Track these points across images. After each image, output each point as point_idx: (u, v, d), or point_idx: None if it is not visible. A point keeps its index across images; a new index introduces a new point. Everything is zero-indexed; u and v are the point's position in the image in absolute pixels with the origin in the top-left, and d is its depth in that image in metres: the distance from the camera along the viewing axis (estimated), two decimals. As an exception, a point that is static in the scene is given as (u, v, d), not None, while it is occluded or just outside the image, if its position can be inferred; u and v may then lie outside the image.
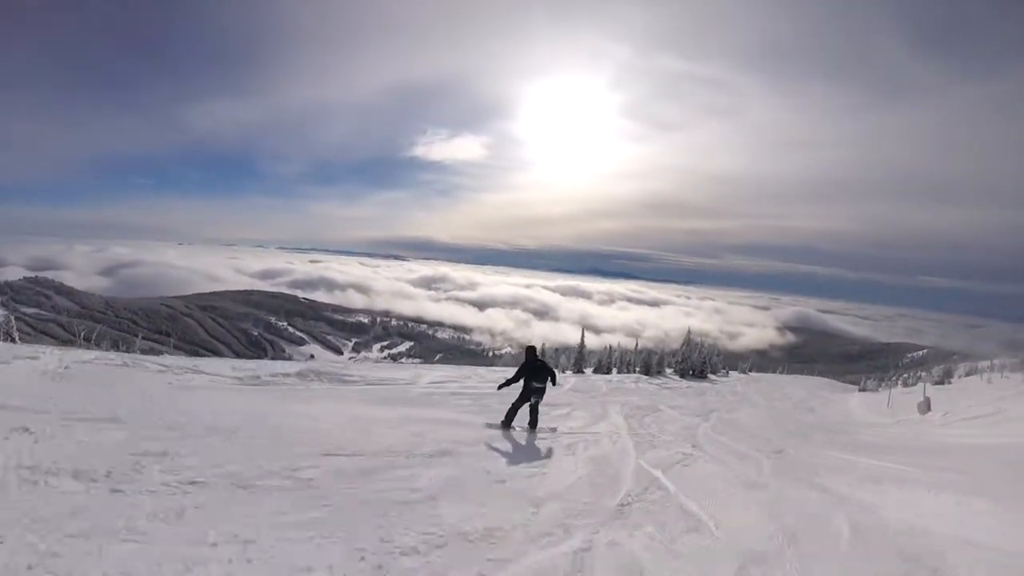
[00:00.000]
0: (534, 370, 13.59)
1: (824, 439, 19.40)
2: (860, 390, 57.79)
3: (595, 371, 41.28)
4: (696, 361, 46.18)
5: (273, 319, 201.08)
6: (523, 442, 12.49)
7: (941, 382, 49.33)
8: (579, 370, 40.79)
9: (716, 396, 31.51)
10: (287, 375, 16.67)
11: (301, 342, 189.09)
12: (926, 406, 27.53)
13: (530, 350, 14.21)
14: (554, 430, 14.29)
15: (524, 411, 13.70)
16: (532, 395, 13.60)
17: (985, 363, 61.07)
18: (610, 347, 46.75)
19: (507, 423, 13.54)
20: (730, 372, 54.98)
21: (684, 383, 37.86)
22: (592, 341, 57.45)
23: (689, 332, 48.16)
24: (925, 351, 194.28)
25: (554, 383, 14.15)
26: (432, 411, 14.71)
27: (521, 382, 13.68)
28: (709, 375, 46.70)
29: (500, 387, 14.29)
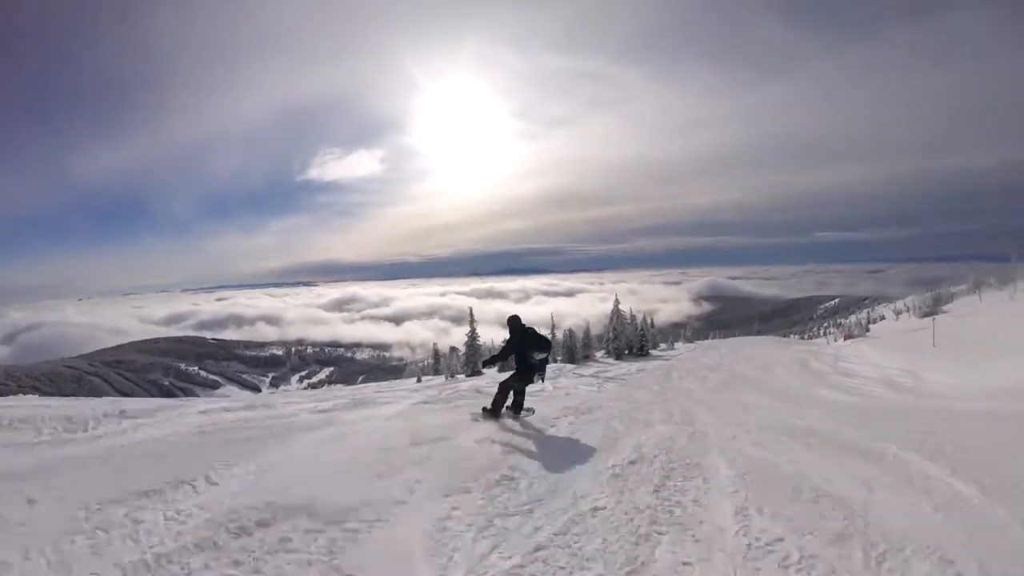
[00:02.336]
0: (528, 340, 10.93)
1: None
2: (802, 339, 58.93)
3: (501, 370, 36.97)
4: (632, 337, 43.00)
5: (183, 365, 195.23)
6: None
7: (931, 313, 51.32)
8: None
9: (693, 378, 25.42)
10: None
11: (216, 385, 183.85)
12: None
13: (513, 319, 11.32)
14: (531, 411, 11.69)
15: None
16: (534, 372, 11.07)
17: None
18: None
19: (495, 411, 10.88)
20: (675, 343, 53.08)
21: (626, 365, 33.20)
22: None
23: (617, 304, 43.39)
24: (836, 300, 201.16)
25: (544, 365, 11.35)
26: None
27: (512, 358, 11.19)
28: (650, 351, 43.69)
29: (484, 364, 12.45)
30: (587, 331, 42.33)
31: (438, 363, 39.89)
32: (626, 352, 41.56)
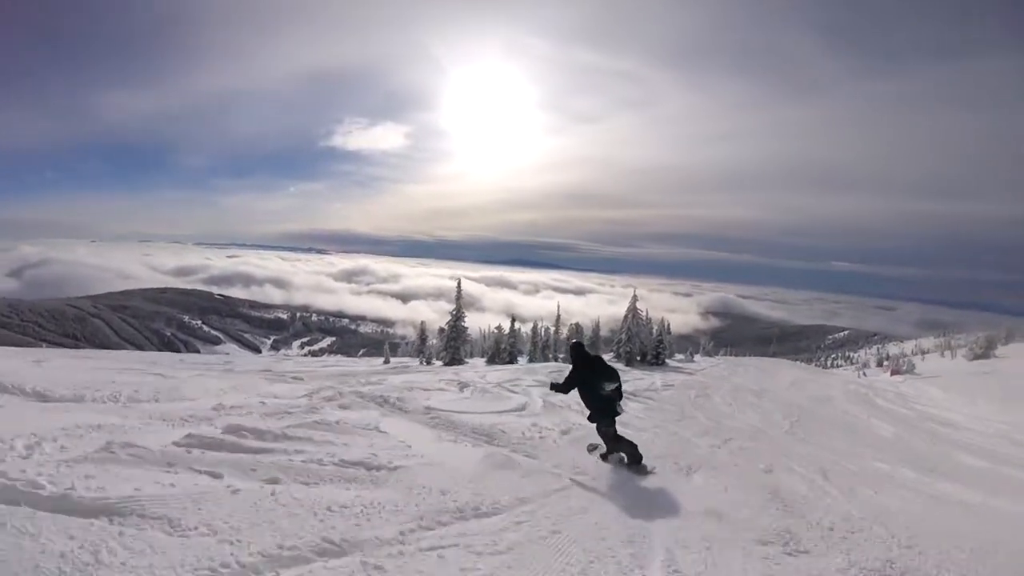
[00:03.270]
0: (598, 370, 9.16)
1: None
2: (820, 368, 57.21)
3: (488, 361, 35.44)
4: (647, 341, 36.42)
5: (187, 318, 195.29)
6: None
7: (983, 356, 49.78)
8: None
9: (746, 406, 18.66)
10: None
11: (217, 341, 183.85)
12: None
13: (576, 346, 9.67)
14: (653, 471, 9.11)
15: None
16: (613, 405, 9.04)
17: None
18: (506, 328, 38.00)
19: (633, 454, 9.04)
20: (694, 355, 45.72)
21: (642, 375, 25.64)
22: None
23: (635, 302, 36.65)
24: (846, 332, 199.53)
25: (620, 396, 9.27)
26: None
27: (577, 391, 9.33)
28: (666, 360, 36.69)
29: (553, 387, 9.72)
30: (597, 328, 40.23)
31: (423, 344, 38.66)
32: (638, 358, 35.90)
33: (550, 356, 39.06)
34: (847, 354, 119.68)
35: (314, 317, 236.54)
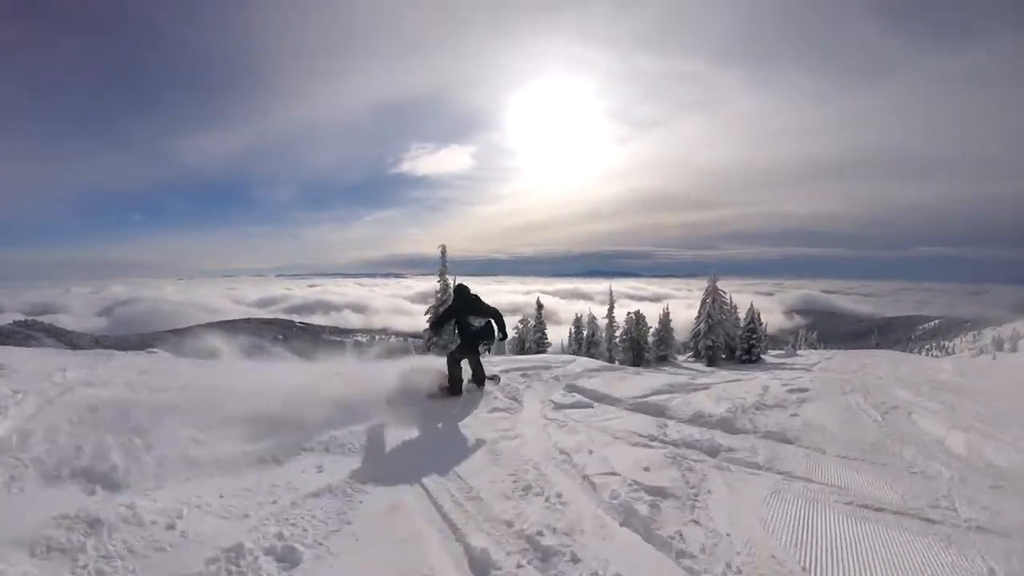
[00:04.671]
0: (467, 308, 10.48)
1: None
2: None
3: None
4: (734, 332, 31.05)
5: (268, 345, 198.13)
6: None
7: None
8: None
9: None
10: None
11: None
12: None
13: (459, 287, 10.89)
14: (496, 379, 11.33)
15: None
16: (479, 341, 10.61)
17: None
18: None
19: (454, 387, 10.22)
20: (796, 349, 39.46)
21: (734, 380, 17.21)
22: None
23: (715, 283, 31.17)
24: (937, 322, 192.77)
25: (502, 331, 10.77)
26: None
27: (454, 327, 10.83)
28: (762, 355, 31.30)
29: (430, 334, 11.66)
30: (666, 317, 30.70)
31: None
32: (723, 356, 30.24)
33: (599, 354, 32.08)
34: (941, 343, 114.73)
35: (392, 339, 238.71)
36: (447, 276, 27.60)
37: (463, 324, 10.45)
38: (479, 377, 10.72)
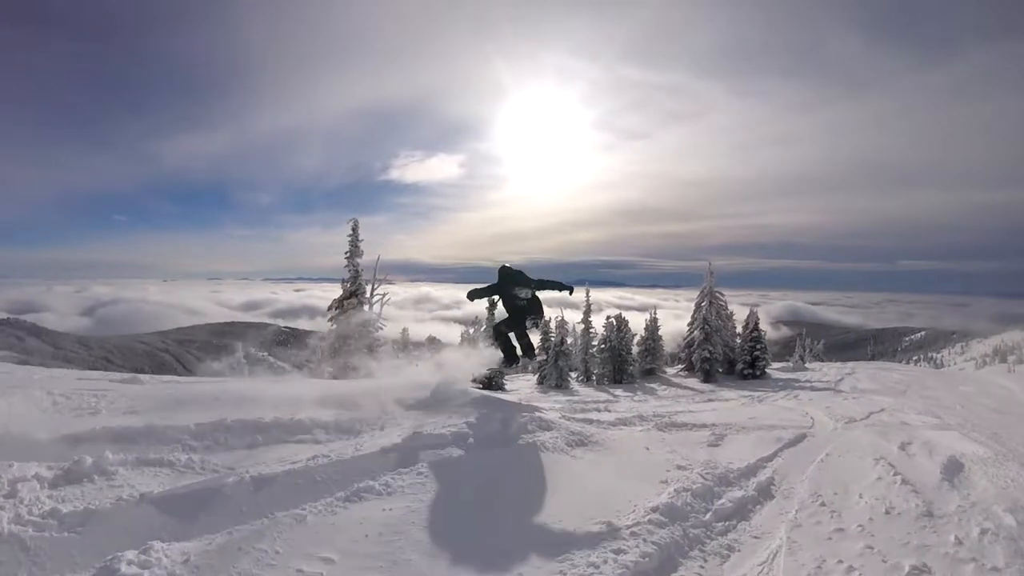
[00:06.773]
0: (511, 282, 10.26)
1: None
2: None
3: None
4: (731, 342, 28.17)
5: (252, 350, 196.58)
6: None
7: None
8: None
9: None
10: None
11: (282, 371, 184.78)
12: None
13: (501, 268, 10.46)
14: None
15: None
16: (525, 314, 10.58)
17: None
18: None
19: (510, 358, 11.15)
20: (803, 361, 33.67)
21: (731, 401, 16.92)
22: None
23: (712, 279, 28.68)
24: (923, 333, 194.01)
25: (564, 288, 10.53)
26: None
27: (498, 301, 11.60)
28: (766, 370, 28.01)
29: (471, 296, 10.70)
30: (654, 324, 28.24)
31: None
32: (720, 370, 27.16)
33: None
34: (929, 355, 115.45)
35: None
36: (357, 259, 23.17)
37: (508, 297, 10.45)
38: (528, 350, 11.06)
